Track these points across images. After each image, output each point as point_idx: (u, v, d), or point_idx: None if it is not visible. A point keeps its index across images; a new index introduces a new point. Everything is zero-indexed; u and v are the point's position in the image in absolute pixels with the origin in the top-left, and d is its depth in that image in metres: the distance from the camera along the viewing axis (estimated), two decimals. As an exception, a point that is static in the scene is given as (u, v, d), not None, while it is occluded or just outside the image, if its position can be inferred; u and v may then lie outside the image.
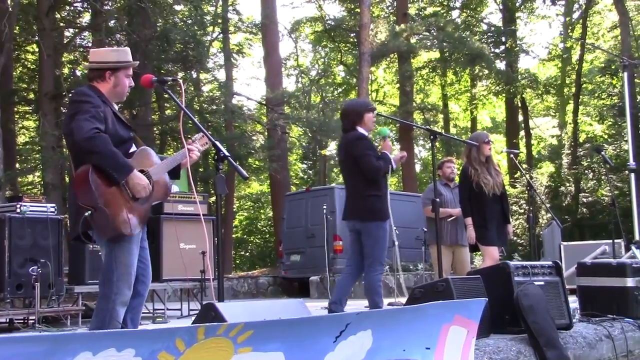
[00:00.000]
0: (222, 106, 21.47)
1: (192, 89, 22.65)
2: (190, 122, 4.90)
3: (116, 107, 4.71)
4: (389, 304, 11.05)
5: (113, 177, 4.28)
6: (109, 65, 4.60)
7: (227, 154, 4.36)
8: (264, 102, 25.31)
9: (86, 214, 4.20)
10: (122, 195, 4.34)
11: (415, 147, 33.95)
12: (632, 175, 10.09)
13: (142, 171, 4.47)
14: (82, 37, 21.41)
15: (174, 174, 4.84)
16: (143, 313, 9.78)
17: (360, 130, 6.94)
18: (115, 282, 4.36)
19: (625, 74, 10.40)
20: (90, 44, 20.78)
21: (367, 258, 6.80)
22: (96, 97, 4.46)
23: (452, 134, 31.54)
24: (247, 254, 36.89)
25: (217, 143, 4.44)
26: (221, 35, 27.12)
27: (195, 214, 9.99)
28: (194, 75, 23.66)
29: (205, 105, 21.73)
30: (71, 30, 21.14)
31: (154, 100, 21.68)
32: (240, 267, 34.27)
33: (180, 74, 20.71)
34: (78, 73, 21.59)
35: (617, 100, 24.46)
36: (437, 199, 6.66)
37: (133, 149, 4.61)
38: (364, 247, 6.82)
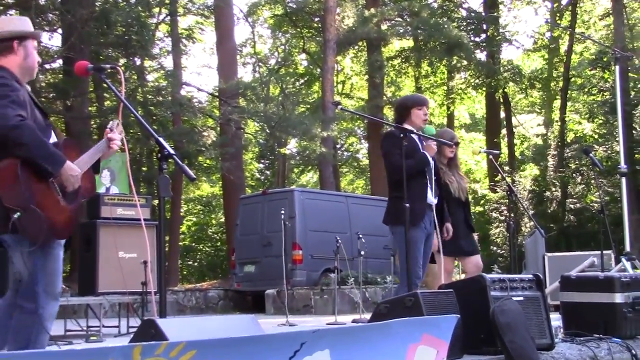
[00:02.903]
0: (169, 98, 21.35)
1: (135, 77, 22.49)
2: (132, 115, 4.86)
3: (29, 88, 4.61)
4: (353, 321, 11.09)
5: (45, 170, 4.18)
6: (16, 33, 4.46)
7: (171, 151, 4.31)
8: (217, 94, 25.22)
9: (14, 216, 4.10)
10: (51, 192, 4.25)
11: (386, 146, 34.07)
12: (624, 180, 10.17)
13: None
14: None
15: (94, 167, 4.77)
16: (75, 331, 9.72)
17: (407, 127, 7.02)
18: (41, 295, 4.30)
19: (617, 67, 10.50)
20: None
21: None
22: (10, 77, 4.31)
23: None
24: (196, 263, 36.78)
25: (161, 139, 4.38)
26: (169, 17, 26.96)
27: (136, 219, 9.94)
28: (138, 62, 23.50)
29: (150, 97, 21.58)
30: (-5, 8, 20.87)
31: (91, 89, 21.49)
32: (188, 278, 34.14)
33: (121, 61, 20.53)
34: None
35: (608, 96, 24.79)
36: (407, 204, 6.68)
37: (53, 138, 4.50)
38: None
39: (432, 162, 7.04)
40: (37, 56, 4.58)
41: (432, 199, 6.98)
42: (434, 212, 7.06)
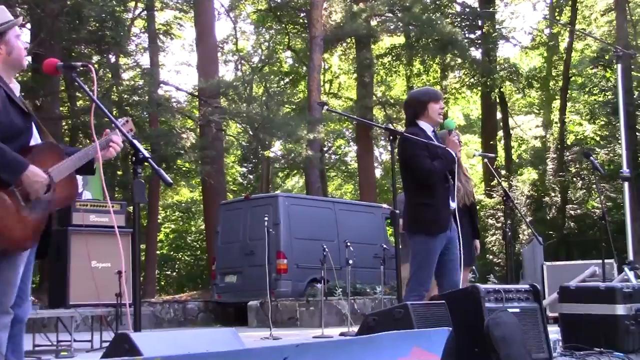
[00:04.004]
0: (146, 97, 21.32)
1: (110, 76, 22.46)
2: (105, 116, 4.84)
3: (16, 85, 4.60)
4: (341, 334, 11.11)
5: (1, 179, 4.19)
6: None
7: (147, 155, 4.29)
8: (196, 94, 25.20)
9: None
10: (12, 200, 4.23)
11: (376, 149, 34.12)
12: (626, 185, 10.20)
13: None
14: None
15: (88, 169, 4.75)
16: (45, 346, 9.68)
17: (423, 124, 6.95)
18: None
19: (619, 65, 10.54)
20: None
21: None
22: None
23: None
24: (174, 273, 36.69)
25: (136, 142, 4.38)
26: (145, 12, 26.95)
27: (109, 226, 9.91)
28: (112, 60, 23.46)
29: (126, 96, 21.57)
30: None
31: (62, 89, 21.43)
32: (166, 289, 34.06)
33: (94, 58, 20.49)
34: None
35: (610, 96, 24.88)
36: (398, 211, 6.68)
37: (36, 139, 4.50)
38: None
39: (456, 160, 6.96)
40: (21, 44, 4.56)
41: (452, 203, 6.90)
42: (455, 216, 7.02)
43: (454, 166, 6.86)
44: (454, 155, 6.84)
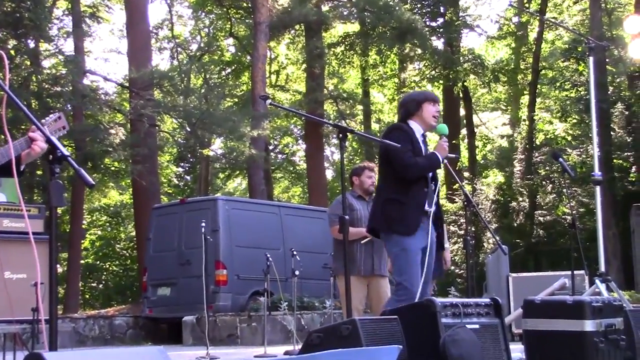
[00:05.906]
0: (70, 87, 21.12)
1: (28, 63, 22.20)
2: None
3: None
4: (285, 353, 11.10)
5: None
6: None
7: (65, 152, 4.27)
8: (127, 84, 25.03)
9: None
10: None
11: (327, 148, 34.17)
12: (598, 189, 10.28)
13: None
14: None
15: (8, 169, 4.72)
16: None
17: (413, 124, 7.18)
18: None
19: (591, 58, 10.65)
20: None
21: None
22: None
23: (372, 132, 31.81)
24: (101, 285, 36.48)
25: (53, 138, 4.36)
26: (69, -8, 26.73)
27: (25, 233, 9.81)
28: (31, 45, 23.19)
29: (47, 86, 21.33)
30: None
31: (-27, 77, 21.17)
32: (91, 303, 33.82)
33: (10, 43, 20.25)
34: None
35: (583, 91, 25.17)
36: (347, 217, 6.65)
37: None
38: None
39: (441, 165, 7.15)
40: None
41: (428, 208, 7.02)
42: (431, 220, 7.12)
43: (437, 170, 7.13)
44: (440, 159, 7.02)
